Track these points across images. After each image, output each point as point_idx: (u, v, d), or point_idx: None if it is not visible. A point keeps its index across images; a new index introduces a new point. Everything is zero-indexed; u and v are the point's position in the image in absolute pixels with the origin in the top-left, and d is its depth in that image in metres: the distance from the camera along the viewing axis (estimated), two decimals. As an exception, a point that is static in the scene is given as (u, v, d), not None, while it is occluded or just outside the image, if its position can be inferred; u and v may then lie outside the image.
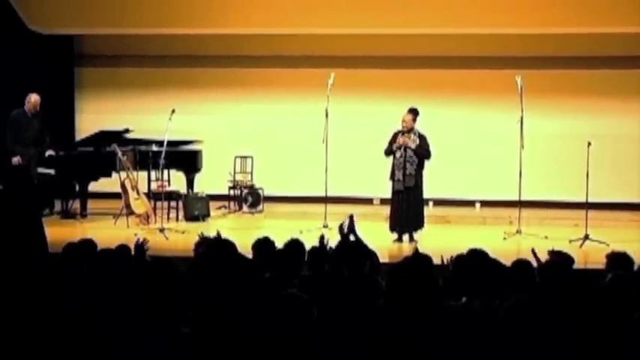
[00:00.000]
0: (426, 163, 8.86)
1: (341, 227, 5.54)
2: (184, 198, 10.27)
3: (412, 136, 8.75)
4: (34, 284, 3.72)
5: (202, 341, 3.24)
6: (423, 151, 8.75)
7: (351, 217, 5.65)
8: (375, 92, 11.94)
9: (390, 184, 8.88)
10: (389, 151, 8.81)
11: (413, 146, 8.70)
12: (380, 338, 3.25)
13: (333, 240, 5.25)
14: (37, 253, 5.86)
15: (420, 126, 8.93)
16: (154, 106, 11.55)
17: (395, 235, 8.80)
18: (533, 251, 5.03)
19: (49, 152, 9.85)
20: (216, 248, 4.61)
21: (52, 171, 9.95)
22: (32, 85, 10.03)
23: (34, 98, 9.75)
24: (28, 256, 5.54)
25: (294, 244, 4.88)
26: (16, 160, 9.48)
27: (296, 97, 12.10)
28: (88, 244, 4.77)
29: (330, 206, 9.41)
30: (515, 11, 10.52)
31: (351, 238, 5.47)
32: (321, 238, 5.13)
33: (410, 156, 8.71)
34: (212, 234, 5.26)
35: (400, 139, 8.73)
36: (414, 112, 8.83)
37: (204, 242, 4.94)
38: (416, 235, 8.82)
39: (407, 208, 8.74)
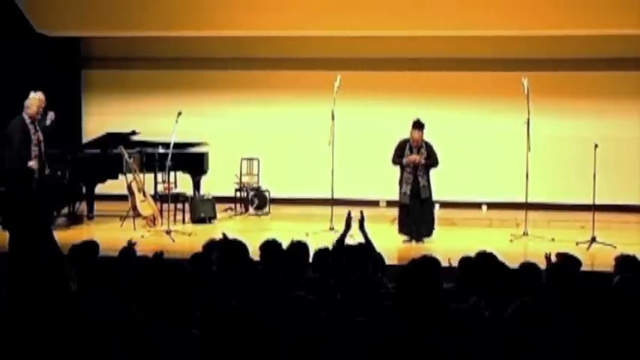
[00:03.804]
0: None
1: (348, 219, 5.58)
2: (191, 200, 10.28)
3: (421, 149, 8.79)
4: (43, 285, 3.73)
5: (211, 342, 3.25)
6: (432, 162, 8.89)
7: (362, 214, 5.68)
8: (382, 94, 11.95)
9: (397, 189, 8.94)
10: (398, 163, 8.88)
11: (423, 161, 8.78)
12: (388, 340, 3.25)
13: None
14: (46, 253, 5.88)
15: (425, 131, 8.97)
16: (160, 109, 11.57)
17: (405, 237, 8.82)
18: (547, 256, 5.00)
19: (50, 117, 9.57)
20: (228, 250, 4.62)
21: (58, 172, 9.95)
22: (39, 87, 10.02)
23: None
24: (37, 257, 5.56)
25: (298, 246, 4.89)
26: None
27: (302, 100, 12.11)
28: (90, 246, 4.80)
29: (336, 208, 9.40)
30: (521, 14, 10.51)
31: (359, 234, 5.48)
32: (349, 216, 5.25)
33: (420, 169, 8.76)
34: (220, 236, 5.25)
35: (411, 158, 8.76)
36: (421, 127, 8.83)
37: (217, 244, 4.91)
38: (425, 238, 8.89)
39: (421, 217, 8.84)
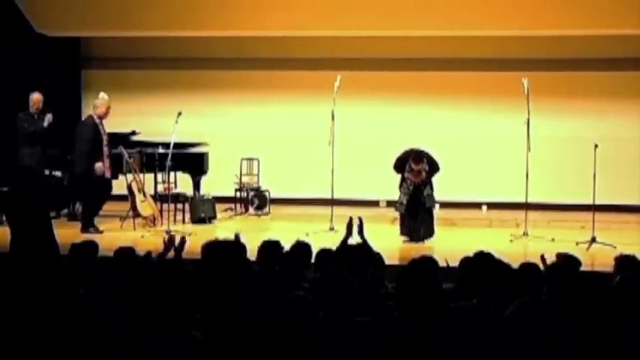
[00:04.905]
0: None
1: (349, 224, 5.58)
2: (191, 200, 10.27)
3: (422, 166, 8.75)
4: (44, 284, 3.73)
5: (211, 342, 3.25)
6: (433, 172, 8.89)
7: (360, 220, 5.68)
8: (381, 94, 11.95)
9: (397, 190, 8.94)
10: (399, 172, 8.90)
11: (425, 176, 8.79)
12: (388, 340, 3.25)
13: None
14: (47, 253, 5.88)
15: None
16: (160, 109, 11.57)
17: (405, 237, 8.83)
18: (542, 257, 5.01)
19: (48, 117, 9.67)
20: (225, 250, 4.62)
21: (58, 173, 9.97)
22: (39, 87, 10.05)
23: (35, 97, 9.76)
24: (39, 257, 5.56)
25: (301, 246, 4.89)
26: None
27: (302, 100, 12.11)
28: (90, 246, 4.81)
29: (336, 208, 9.41)
30: (521, 14, 10.51)
31: (358, 239, 5.50)
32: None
33: (423, 180, 8.78)
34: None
35: (412, 179, 8.76)
36: (422, 158, 8.76)
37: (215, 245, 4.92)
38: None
39: (422, 220, 8.83)
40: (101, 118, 9.35)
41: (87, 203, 9.34)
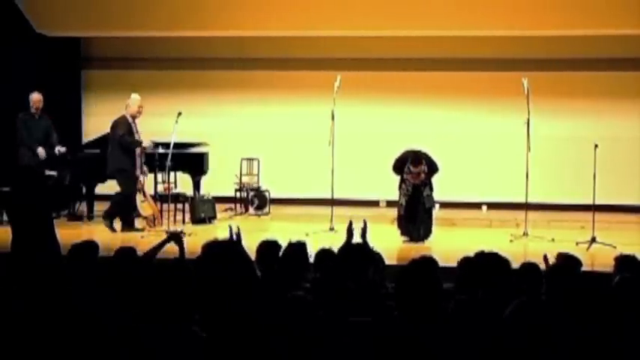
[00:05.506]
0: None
1: (349, 228, 5.59)
2: (191, 200, 10.28)
3: (421, 167, 8.73)
4: (45, 284, 3.74)
5: (210, 342, 3.25)
6: (433, 172, 8.87)
7: (365, 223, 5.69)
8: (381, 94, 11.96)
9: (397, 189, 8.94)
10: (398, 174, 8.89)
11: (424, 177, 8.77)
12: (388, 339, 3.25)
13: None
14: (48, 253, 5.89)
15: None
16: (160, 109, 11.54)
17: (406, 237, 8.84)
18: (545, 257, 5.01)
19: (59, 148, 9.82)
20: (224, 249, 4.62)
21: (54, 173, 10.00)
22: (39, 87, 10.05)
23: (35, 97, 9.78)
24: (40, 257, 5.56)
25: (295, 247, 4.89)
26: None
27: (302, 100, 12.12)
28: (90, 246, 4.82)
29: (336, 208, 9.41)
30: (520, 14, 10.52)
31: (359, 240, 5.50)
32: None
33: (422, 180, 8.77)
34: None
35: (412, 180, 8.75)
36: (421, 160, 8.75)
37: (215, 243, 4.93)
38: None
39: (422, 223, 8.84)
40: (134, 117, 9.40)
41: (116, 200, 9.33)
